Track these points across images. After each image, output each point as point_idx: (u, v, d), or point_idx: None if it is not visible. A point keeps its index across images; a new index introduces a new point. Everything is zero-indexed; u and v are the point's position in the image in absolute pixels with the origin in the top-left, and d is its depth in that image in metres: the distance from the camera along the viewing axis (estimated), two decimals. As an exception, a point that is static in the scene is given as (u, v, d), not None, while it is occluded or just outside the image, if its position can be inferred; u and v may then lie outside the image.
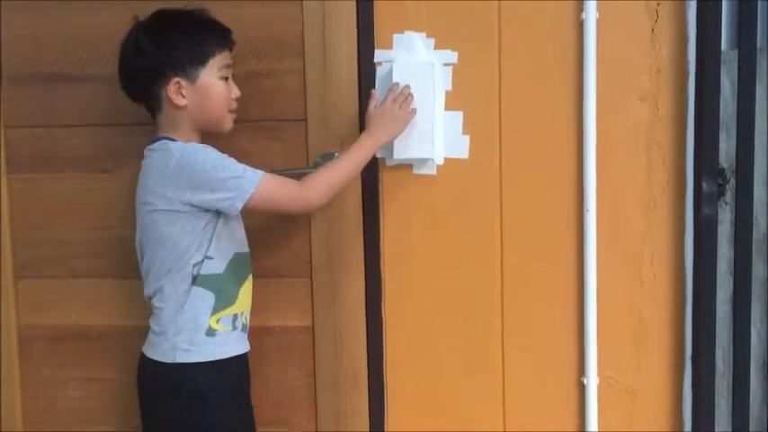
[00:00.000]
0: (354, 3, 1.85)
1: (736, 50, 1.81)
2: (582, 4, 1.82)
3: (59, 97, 1.95)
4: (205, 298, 1.67)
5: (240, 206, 1.63)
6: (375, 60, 1.88)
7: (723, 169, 1.84)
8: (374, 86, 1.87)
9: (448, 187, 1.90)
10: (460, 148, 1.89)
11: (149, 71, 1.66)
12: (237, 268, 1.72)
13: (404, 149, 1.85)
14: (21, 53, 1.95)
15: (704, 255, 1.83)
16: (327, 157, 1.88)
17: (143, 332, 1.73)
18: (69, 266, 1.98)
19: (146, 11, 1.72)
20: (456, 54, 1.87)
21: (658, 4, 1.83)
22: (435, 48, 1.87)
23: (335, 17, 1.86)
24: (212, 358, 1.67)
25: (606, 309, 1.88)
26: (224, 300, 1.70)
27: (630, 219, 1.87)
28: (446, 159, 1.89)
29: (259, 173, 1.64)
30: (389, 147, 1.86)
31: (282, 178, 1.69)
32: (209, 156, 1.63)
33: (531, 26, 1.86)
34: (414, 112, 1.81)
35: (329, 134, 1.89)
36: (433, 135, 1.85)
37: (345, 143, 1.88)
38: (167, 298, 1.68)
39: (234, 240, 1.72)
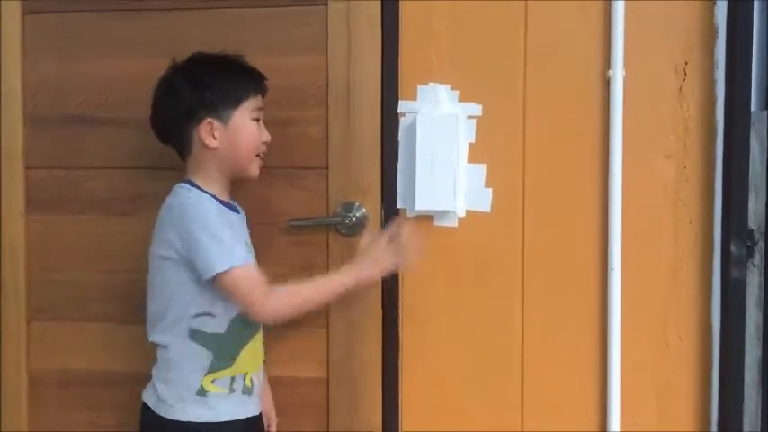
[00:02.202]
0: (379, 53, 1.86)
1: (766, 111, 1.79)
2: (609, 62, 1.81)
3: (81, 140, 1.96)
4: (201, 356, 1.64)
5: (207, 278, 1.58)
6: (399, 111, 1.88)
7: (751, 231, 1.81)
8: (397, 137, 1.87)
9: (469, 240, 1.88)
10: (483, 201, 1.87)
11: (182, 111, 1.67)
12: (241, 328, 1.67)
13: (425, 201, 1.84)
14: (44, 95, 1.97)
15: (732, 318, 1.79)
16: (348, 207, 1.86)
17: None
18: (83, 309, 1.97)
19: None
20: (480, 107, 1.86)
21: (686, 64, 1.82)
22: (460, 100, 1.86)
23: (360, 67, 1.87)
24: (197, 420, 1.63)
25: (630, 371, 1.83)
26: (223, 360, 1.65)
27: (656, 279, 1.84)
28: (468, 212, 1.87)
29: (240, 262, 1.58)
30: (411, 197, 1.84)
31: (257, 282, 1.61)
32: (207, 218, 1.60)
33: (557, 81, 1.85)
34: (400, 263, 1.72)
35: (350, 184, 1.88)
36: (455, 187, 1.83)
37: (366, 193, 1.87)
38: (162, 348, 1.66)
39: None
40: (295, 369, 1.90)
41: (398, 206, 1.88)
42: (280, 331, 1.83)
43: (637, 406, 1.84)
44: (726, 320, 1.80)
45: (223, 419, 1.65)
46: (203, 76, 1.67)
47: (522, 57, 1.86)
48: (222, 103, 1.66)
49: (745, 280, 1.79)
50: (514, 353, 1.88)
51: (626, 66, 1.80)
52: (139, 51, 1.92)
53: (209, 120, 1.66)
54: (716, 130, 1.81)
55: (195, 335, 1.63)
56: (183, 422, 1.63)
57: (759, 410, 1.81)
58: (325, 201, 1.88)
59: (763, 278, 1.80)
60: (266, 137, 1.73)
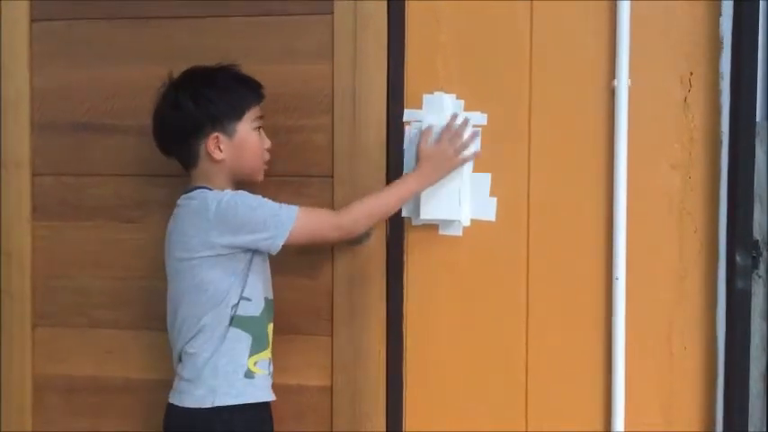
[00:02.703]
0: (385, 61, 1.86)
1: (771, 122, 1.80)
2: (614, 72, 1.81)
3: (87, 146, 1.97)
4: (243, 339, 1.69)
5: (281, 243, 1.66)
6: (404, 120, 1.88)
7: (757, 241, 1.81)
8: (403, 146, 1.87)
9: (474, 249, 1.88)
10: (488, 210, 1.87)
11: (187, 127, 1.70)
12: (269, 313, 1.75)
13: (430, 210, 1.84)
14: (51, 102, 1.98)
15: (737, 328, 1.78)
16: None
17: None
18: (88, 316, 1.97)
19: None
20: (486, 116, 1.86)
21: (691, 74, 1.82)
22: (465, 109, 1.87)
23: (366, 76, 1.87)
24: (251, 401, 1.68)
25: (635, 381, 1.83)
26: (260, 343, 1.71)
27: (661, 289, 1.84)
28: (472, 221, 1.87)
29: (294, 208, 1.68)
30: (416, 206, 1.84)
31: (317, 210, 1.74)
32: (246, 199, 1.67)
33: (563, 91, 1.85)
34: (471, 155, 1.81)
35: (355, 192, 1.87)
36: (460, 196, 1.84)
37: (371, 201, 1.87)
38: (203, 342, 1.67)
39: (266, 284, 1.75)
40: (300, 377, 1.90)
41: (403, 215, 1.88)
42: (285, 338, 1.83)
43: (641, 416, 1.83)
44: (731, 331, 1.79)
45: (266, 400, 1.72)
46: (206, 90, 1.70)
47: (527, 66, 1.86)
48: (227, 117, 1.70)
49: (751, 290, 1.79)
50: (519, 362, 1.87)
51: (631, 76, 1.81)
52: (147, 59, 1.92)
53: (216, 134, 1.69)
54: (721, 140, 1.81)
55: (234, 320, 1.67)
56: (238, 405, 1.67)
57: (764, 421, 1.80)
58: (330, 208, 1.88)
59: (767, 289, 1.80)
60: (268, 143, 1.77)
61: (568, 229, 1.86)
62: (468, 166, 1.85)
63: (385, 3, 1.86)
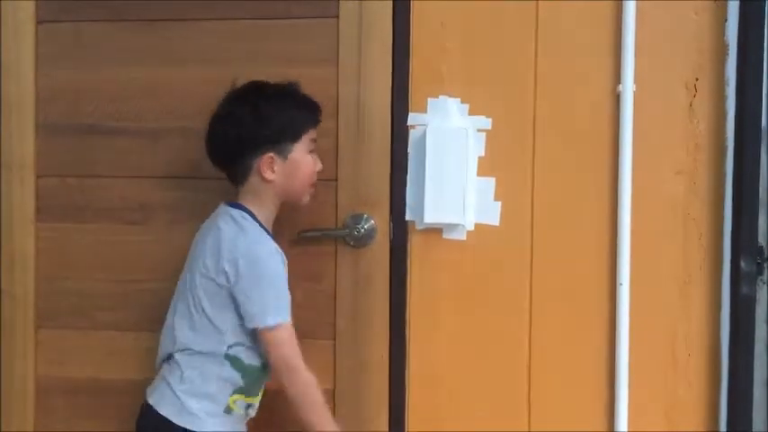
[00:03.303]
0: (390, 65, 1.86)
1: (777, 128, 1.79)
2: (619, 77, 1.81)
3: (92, 148, 1.97)
4: (234, 379, 1.67)
5: (252, 326, 1.64)
6: (409, 124, 1.88)
7: (761, 247, 1.80)
8: (407, 150, 1.87)
9: (478, 253, 1.87)
10: (492, 214, 1.86)
11: (243, 143, 1.68)
12: (269, 368, 1.72)
13: (435, 214, 1.84)
14: (57, 104, 1.98)
15: (741, 335, 1.78)
16: (357, 219, 1.87)
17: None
18: (91, 318, 1.97)
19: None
20: (490, 120, 1.86)
21: (696, 80, 1.82)
22: (470, 113, 1.87)
23: (371, 79, 1.87)
24: None
25: (639, 387, 1.82)
26: (251, 389, 1.71)
27: (665, 294, 1.83)
28: (476, 225, 1.87)
29: (288, 316, 1.65)
30: (420, 210, 1.84)
31: (296, 347, 1.67)
32: (276, 267, 1.65)
33: (567, 96, 1.85)
34: None
35: (359, 196, 1.88)
36: (464, 200, 1.83)
37: (375, 205, 1.88)
38: (198, 363, 1.66)
39: None
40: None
41: (407, 218, 1.88)
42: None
43: (645, 422, 1.83)
44: (735, 337, 1.79)
45: None
46: (266, 108, 1.68)
47: (532, 71, 1.86)
48: (284, 138, 1.68)
49: (755, 296, 1.79)
50: (522, 367, 1.87)
51: (636, 81, 1.81)
52: (153, 61, 1.92)
53: (271, 155, 1.67)
54: (726, 146, 1.80)
55: (233, 361, 1.66)
56: None
57: (767, 428, 1.80)
58: (333, 212, 1.88)
59: (772, 295, 1.80)
60: (320, 166, 1.75)
61: (572, 233, 1.85)
62: (473, 171, 1.85)
63: (390, 6, 1.86)
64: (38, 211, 1.99)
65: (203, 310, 1.66)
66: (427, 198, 1.84)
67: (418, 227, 1.88)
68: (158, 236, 1.93)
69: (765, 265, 1.81)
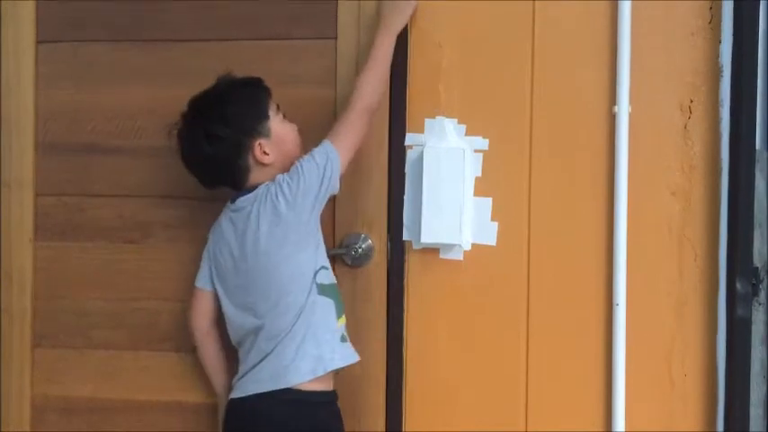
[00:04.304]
0: (388, 86, 1.87)
1: (770, 150, 1.81)
2: (615, 98, 1.82)
3: (91, 167, 1.98)
4: (331, 307, 1.72)
5: (339, 171, 1.72)
6: (406, 144, 1.89)
7: (756, 269, 1.81)
8: (404, 170, 1.88)
9: (474, 273, 1.88)
10: (488, 234, 1.87)
11: (232, 149, 1.71)
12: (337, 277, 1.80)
13: (431, 234, 1.85)
14: (56, 123, 1.99)
15: (737, 356, 1.78)
16: (354, 239, 1.87)
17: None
18: (87, 336, 1.97)
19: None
20: (487, 141, 1.87)
21: (691, 101, 1.83)
22: (466, 134, 1.88)
23: (369, 100, 1.88)
24: (351, 362, 1.73)
25: (635, 408, 1.82)
26: (340, 307, 1.75)
27: (661, 315, 1.83)
28: (473, 245, 1.87)
29: (328, 146, 1.72)
30: (417, 230, 1.85)
31: (339, 126, 1.76)
32: (298, 167, 1.71)
33: (563, 117, 1.86)
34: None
35: (357, 215, 1.89)
36: (461, 220, 1.84)
37: (373, 225, 1.88)
38: (296, 320, 1.68)
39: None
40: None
41: (404, 238, 1.88)
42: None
43: (641, 443, 1.83)
44: (731, 358, 1.79)
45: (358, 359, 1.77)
46: (230, 108, 1.71)
47: (528, 92, 1.87)
48: (258, 121, 1.72)
49: (751, 318, 1.79)
50: (519, 387, 1.86)
51: (632, 102, 1.82)
52: (151, 81, 1.94)
53: (258, 141, 1.71)
54: (721, 167, 1.81)
55: (322, 289, 1.71)
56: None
57: (765, 449, 1.80)
58: (331, 231, 1.88)
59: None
60: (294, 125, 1.79)
61: (569, 254, 1.86)
62: (470, 191, 1.86)
63: (388, 28, 1.88)
64: (36, 229, 1.99)
65: (289, 266, 1.69)
66: (424, 218, 1.84)
67: (415, 247, 1.89)
68: (156, 255, 1.93)
69: (761, 286, 1.81)
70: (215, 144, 1.70)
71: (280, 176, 1.71)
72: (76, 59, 1.98)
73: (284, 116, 1.77)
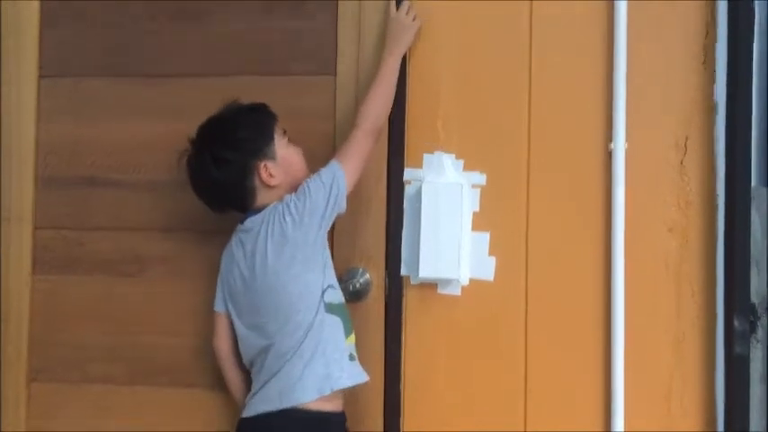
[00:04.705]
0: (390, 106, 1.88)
1: (766, 188, 1.81)
2: (611, 135, 1.84)
3: (90, 200, 1.99)
4: (339, 325, 1.72)
5: (345, 190, 1.73)
6: (404, 179, 1.90)
7: (754, 306, 1.81)
8: (402, 204, 1.89)
9: (472, 308, 1.88)
10: (486, 269, 1.87)
11: (239, 172, 1.73)
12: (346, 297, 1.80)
13: (429, 269, 1.85)
14: (56, 156, 2.00)
15: (735, 393, 1.77)
16: (352, 273, 1.88)
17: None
18: (84, 370, 1.96)
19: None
20: (485, 176, 1.88)
21: (687, 138, 1.84)
22: (464, 169, 1.89)
23: (367, 135, 1.90)
24: (359, 381, 1.73)
25: (634, 444, 1.81)
26: (348, 326, 1.75)
27: (659, 352, 1.83)
28: (471, 280, 1.88)
29: (336, 166, 1.74)
30: (415, 265, 1.85)
31: (346, 146, 1.78)
32: (307, 188, 1.73)
33: (560, 153, 1.88)
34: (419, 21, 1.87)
35: (355, 249, 1.89)
36: (459, 255, 1.84)
37: (371, 260, 1.88)
38: (305, 338, 1.68)
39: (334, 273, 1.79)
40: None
41: (402, 273, 1.88)
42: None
43: (640, 481, 1.81)
44: (729, 395, 1.78)
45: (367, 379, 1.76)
46: (237, 132, 1.75)
47: (525, 128, 1.89)
48: (264, 144, 1.75)
49: (749, 355, 1.78)
50: (518, 424, 1.85)
51: (628, 139, 1.83)
52: (151, 115, 1.95)
53: (264, 163, 1.73)
54: (717, 204, 1.82)
55: (329, 308, 1.71)
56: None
57: (764, 487, 1.78)
58: (331, 259, 1.88)
59: (766, 353, 1.79)
60: (299, 149, 1.81)
61: (566, 289, 1.86)
62: (468, 226, 1.87)
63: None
64: (34, 262, 1.99)
65: (297, 285, 1.69)
66: (422, 253, 1.85)
67: (413, 281, 1.89)
68: (154, 288, 1.93)
69: (758, 323, 1.81)
70: (222, 168, 1.73)
71: (287, 196, 1.73)
72: (77, 94, 2.00)
73: (289, 140, 1.79)
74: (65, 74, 2.00)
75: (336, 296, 1.75)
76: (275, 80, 1.93)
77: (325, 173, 1.74)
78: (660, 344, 1.83)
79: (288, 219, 1.70)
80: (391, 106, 1.83)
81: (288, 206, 1.71)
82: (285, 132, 1.79)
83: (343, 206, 1.75)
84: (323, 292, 1.72)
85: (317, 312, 1.70)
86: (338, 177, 1.73)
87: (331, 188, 1.72)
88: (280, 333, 1.69)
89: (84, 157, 1.99)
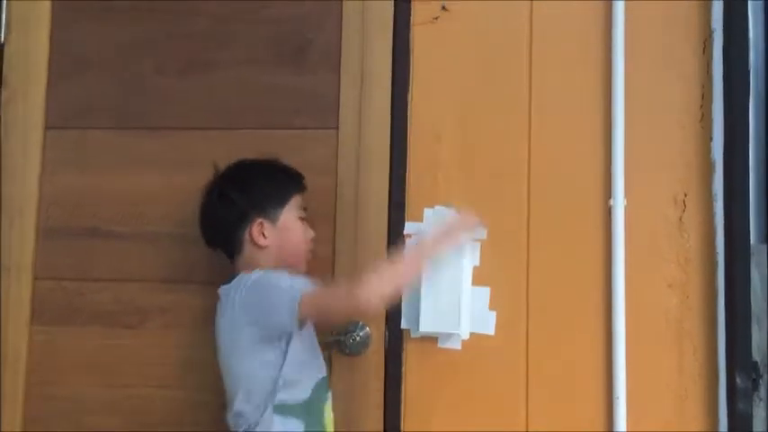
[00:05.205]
0: (387, 175, 1.90)
1: (766, 245, 1.82)
2: (610, 191, 1.85)
3: (91, 251, 1.98)
4: (293, 427, 1.62)
5: (289, 320, 1.59)
6: (405, 233, 1.91)
7: (756, 363, 1.80)
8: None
9: (473, 363, 1.86)
10: (487, 323, 1.87)
11: (233, 214, 1.72)
12: (323, 392, 1.70)
13: (429, 323, 1.84)
14: (59, 207, 2.00)
15: (739, 451, 1.75)
16: (352, 327, 1.87)
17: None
18: (80, 423, 1.93)
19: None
20: (485, 231, 1.89)
21: (685, 195, 1.86)
22: (465, 223, 1.90)
23: (368, 189, 1.91)
24: None
25: (636, 505, 1.78)
26: (315, 427, 1.65)
27: (661, 410, 1.81)
28: (472, 334, 1.87)
29: (299, 289, 1.61)
30: (415, 319, 1.85)
31: (330, 286, 1.71)
32: (268, 284, 1.63)
33: (560, 209, 1.88)
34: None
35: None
36: (459, 310, 1.84)
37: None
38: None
39: (315, 363, 1.70)
40: None
41: (402, 327, 1.88)
42: None
43: None
44: (733, 453, 1.76)
45: None
46: (250, 179, 1.74)
47: (525, 184, 1.90)
48: (271, 203, 1.73)
49: (752, 413, 1.77)
50: (517, 482, 1.83)
51: (627, 195, 1.84)
52: (156, 168, 1.97)
53: (260, 220, 1.71)
54: (717, 260, 1.83)
55: (281, 409, 1.61)
56: None
57: None
58: (328, 319, 1.88)
59: (768, 411, 1.78)
60: (311, 234, 1.78)
61: (567, 345, 1.85)
62: (468, 280, 1.87)
63: (388, 118, 1.92)
64: (33, 313, 1.98)
65: (246, 371, 1.63)
66: (423, 307, 1.84)
67: (413, 335, 1.88)
68: (152, 340, 1.92)
69: (761, 381, 1.80)
70: (224, 204, 1.72)
71: (254, 275, 1.65)
72: (82, 145, 2.01)
73: (304, 220, 1.77)
74: (71, 125, 2.02)
75: (301, 394, 1.64)
76: (278, 134, 1.95)
77: (288, 292, 1.59)
78: (662, 401, 1.81)
79: (237, 298, 1.63)
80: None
81: (240, 288, 1.63)
82: (305, 210, 1.78)
83: (286, 329, 1.61)
84: (275, 387, 1.60)
85: (262, 411, 1.60)
86: (290, 307, 1.58)
87: (274, 308, 1.59)
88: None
89: (87, 208, 1.99)
